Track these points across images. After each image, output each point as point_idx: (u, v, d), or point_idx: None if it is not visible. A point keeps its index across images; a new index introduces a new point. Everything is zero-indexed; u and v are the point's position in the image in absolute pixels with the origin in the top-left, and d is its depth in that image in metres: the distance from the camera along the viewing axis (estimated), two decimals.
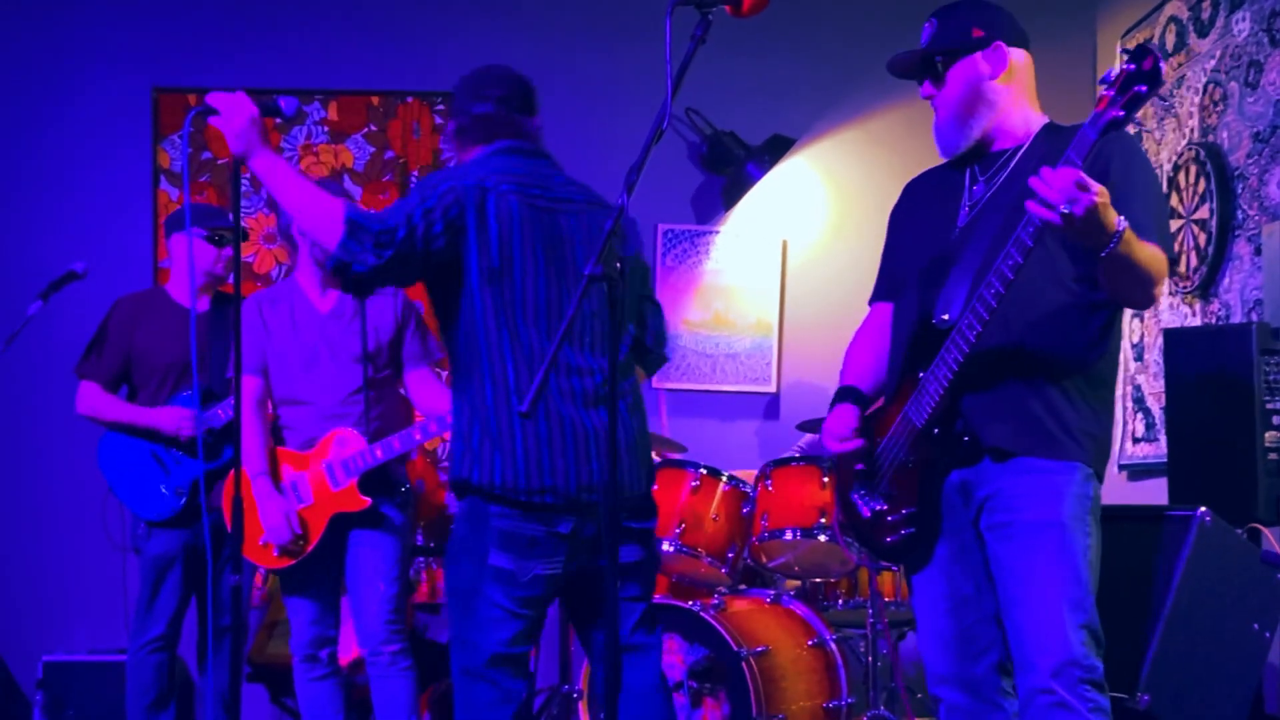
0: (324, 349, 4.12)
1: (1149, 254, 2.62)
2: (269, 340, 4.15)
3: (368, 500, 4.04)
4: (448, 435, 3.98)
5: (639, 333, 3.27)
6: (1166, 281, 2.83)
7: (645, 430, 3.21)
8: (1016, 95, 2.88)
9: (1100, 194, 2.44)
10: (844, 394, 3.00)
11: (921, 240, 2.94)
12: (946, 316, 2.76)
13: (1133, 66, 2.42)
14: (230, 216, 4.59)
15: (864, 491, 2.93)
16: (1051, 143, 2.80)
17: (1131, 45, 5.42)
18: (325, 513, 4.06)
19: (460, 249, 2.95)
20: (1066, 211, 2.43)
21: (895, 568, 4.45)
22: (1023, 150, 2.84)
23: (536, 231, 3.00)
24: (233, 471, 3.20)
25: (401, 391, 4.28)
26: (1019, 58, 2.88)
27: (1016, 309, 2.69)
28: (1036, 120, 2.89)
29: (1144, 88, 2.41)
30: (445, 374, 4.52)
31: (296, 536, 4.03)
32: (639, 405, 3.19)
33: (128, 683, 4.37)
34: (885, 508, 2.87)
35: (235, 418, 3.26)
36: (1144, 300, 2.77)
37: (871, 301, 3.14)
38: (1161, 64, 2.42)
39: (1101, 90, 2.46)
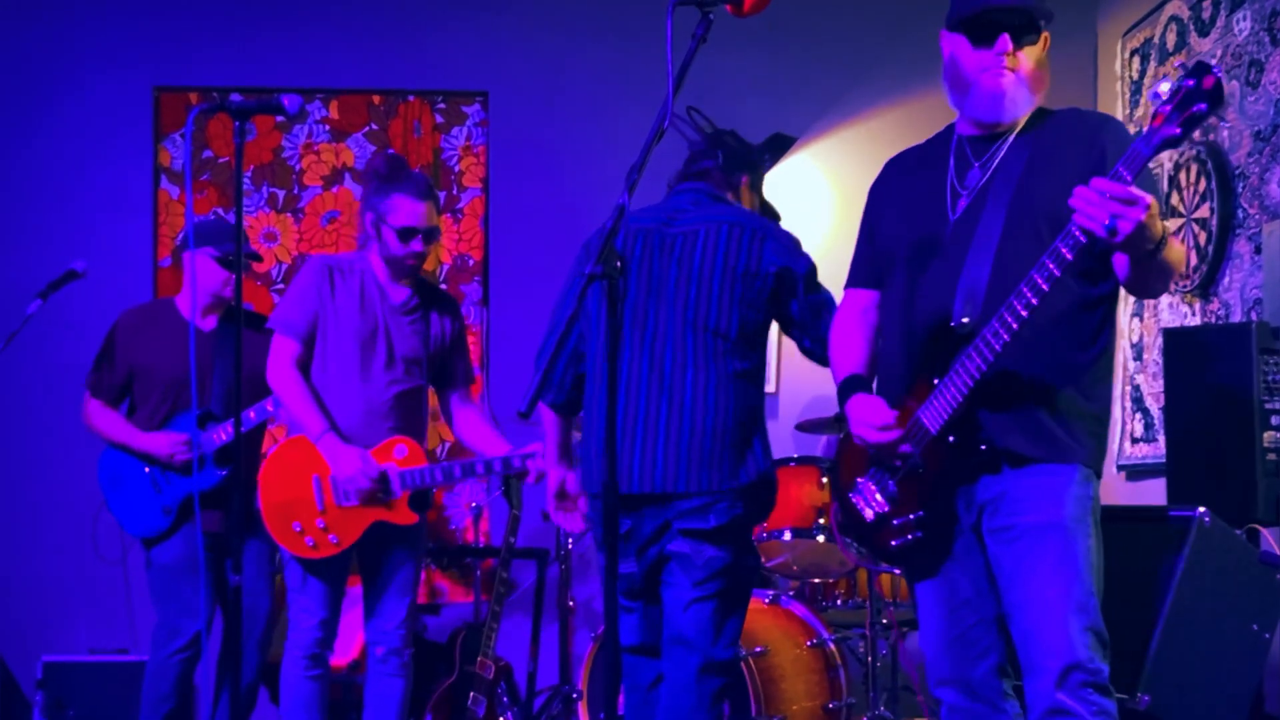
0: (383, 338, 4.00)
1: (1179, 251, 2.60)
2: (328, 307, 4.00)
3: (416, 516, 3.96)
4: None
5: (797, 340, 3.65)
6: None
7: (711, 427, 3.32)
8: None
9: (1150, 208, 2.40)
10: (856, 383, 2.88)
11: (910, 224, 2.86)
12: (966, 320, 2.68)
13: (1191, 83, 2.35)
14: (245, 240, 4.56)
15: (868, 493, 2.86)
16: (1042, 128, 2.78)
17: (1133, 44, 5.42)
18: (369, 517, 3.95)
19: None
20: (1112, 226, 2.38)
21: (894, 570, 4.44)
22: (1013, 135, 2.80)
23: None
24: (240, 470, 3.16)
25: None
26: None
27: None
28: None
29: (1203, 106, 2.34)
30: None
31: (375, 488, 3.90)
32: (705, 398, 3.36)
33: (145, 687, 4.30)
34: (890, 510, 2.81)
35: (235, 433, 3.19)
36: (1163, 290, 2.78)
37: (849, 286, 3.04)
38: (1224, 81, 2.34)
39: (1156, 105, 2.39)
